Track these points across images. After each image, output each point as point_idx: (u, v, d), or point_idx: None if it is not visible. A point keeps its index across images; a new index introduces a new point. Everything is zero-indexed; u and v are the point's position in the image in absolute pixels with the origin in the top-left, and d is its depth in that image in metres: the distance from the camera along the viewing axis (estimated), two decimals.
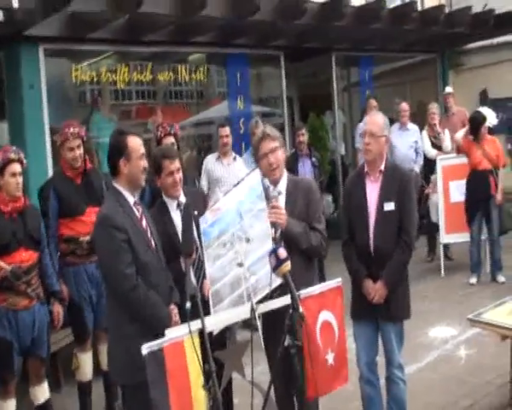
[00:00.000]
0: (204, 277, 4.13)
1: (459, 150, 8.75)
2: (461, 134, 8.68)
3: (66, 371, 6.21)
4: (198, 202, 4.43)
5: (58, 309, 5.11)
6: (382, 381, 4.44)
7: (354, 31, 10.09)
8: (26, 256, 4.75)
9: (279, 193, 3.89)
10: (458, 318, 6.79)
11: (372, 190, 4.26)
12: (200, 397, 2.89)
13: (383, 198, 4.21)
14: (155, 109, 9.77)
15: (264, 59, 10.83)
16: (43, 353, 4.92)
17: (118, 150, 3.71)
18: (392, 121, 10.41)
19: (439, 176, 9.00)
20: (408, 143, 9.89)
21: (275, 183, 3.96)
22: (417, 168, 9.77)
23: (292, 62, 11.13)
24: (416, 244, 9.60)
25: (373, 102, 10.14)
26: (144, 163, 3.75)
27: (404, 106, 10.14)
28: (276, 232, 3.57)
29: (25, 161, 4.81)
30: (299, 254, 3.75)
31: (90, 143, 7.61)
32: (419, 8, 10.97)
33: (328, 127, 11.92)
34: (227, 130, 7.46)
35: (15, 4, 6.32)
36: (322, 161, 9.39)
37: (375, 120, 4.31)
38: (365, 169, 4.32)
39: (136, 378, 2.96)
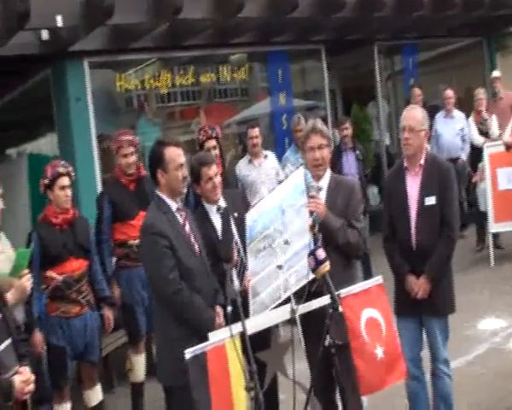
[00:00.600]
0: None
1: (508, 147, 8.53)
2: (508, 132, 8.49)
3: (118, 372, 6.40)
4: (238, 204, 4.51)
5: (108, 314, 5.28)
6: (428, 376, 4.41)
7: (395, 20, 9.97)
8: (77, 265, 4.92)
9: (320, 189, 3.92)
10: (508, 309, 6.66)
11: (412, 185, 4.24)
12: (241, 398, 2.96)
13: (424, 193, 4.18)
14: (199, 111, 9.90)
15: (305, 53, 10.82)
16: (94, 357, 5.09)
17: (155, 161, 3.85)
18: (438, 109, 10.33)
19: (486, 163, 8.73)
20: (454, 130, 9.74)
21: (317, 179, 3.98)
22: (464, 156, 9.63)
23: (333, 55, 11.07)
24: (465, 233, 9.65)
25: (417, 91, 10.02)
26: (183, 173, 3.85)
27: (449, 93, 9.95)
28: (314, 223, 3.57)
29: (73, 174, 4.98)
30: (337, 253, 3.76)
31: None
32: None
33: (372, 118, 11.86)
34: (256, 131, 7.38)
35: (59, 23, 6.51)
36: (366, 153, 9.34)
37: (414, 114, 4.27)
38: (405, 164, 4.29)
39: (181, 381, 3.03)
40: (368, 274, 7.78)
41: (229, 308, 3.08)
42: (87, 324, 4.96)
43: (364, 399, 4.88)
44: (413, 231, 4.19)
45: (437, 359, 4.29)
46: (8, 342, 3.24)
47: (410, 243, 4.21)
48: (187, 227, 3.92)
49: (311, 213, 3.67)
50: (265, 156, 7.53)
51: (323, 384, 3.69)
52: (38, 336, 4.79)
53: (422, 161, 4.24)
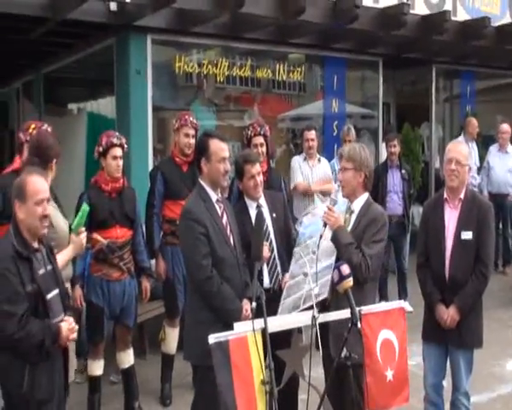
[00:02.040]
0: (278, 274, 4.45)
1: None
2: None
3: (152, 341, 6.65)
4: (277, 206, 4.64)
5: (146, 284, 5.51)
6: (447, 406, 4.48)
7: (456, 45, 9.96)
8: (121, 233, 5.18)
9: (351, 212, 4.08)
10: None
11: (451, 217, 4.33)
12: (262, 391, 3.10)
13: (461, 226, 4.27)
14: (255, 99, 10.02)
15: (363, 63, 10.84)
16: (130, 322, 5.36)
17: (200, 150, 4.07)
18: (493, 140, 10.27)
19: None
20: (506, 166, 9.73)
21: (351, 200, 4.13)
22: None
23: (391, 69, 11.10)
24: (508, 270, 9.56)
25: (474, 122, 9.95)
26: (225, 166, 4.04)
27: (504, 127, 9.87)
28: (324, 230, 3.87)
29: (126, 146, 5.21)
30: None
31: None
32: None
33: (424, 139, 11.83)
34: (313, 133, 7.52)
35: None
36: (413, 173, 9.34)
37: (460, 148, 4.39)
38: (445, 195, 4.39)
39: (207, 362, 3.17)
40: (403, 293, 7.88)
41: (254, 304, 3.22)
42: (125, 289, 5.23)
43: None
44: (447, 262, 4.28)
45: (458, 390, 4.37)
46: (56, 291, 3.52)
47: (443, 274, 4.30)
48: (224, 219, 4.09)
49: (325, 223, 3.92)
50: (319, 160, 7.66)
51: (337, 394, 3.81)
52: (79, 292, 5.11)
53: (462, 196, 4.33)
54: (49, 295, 3.44)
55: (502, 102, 13.68)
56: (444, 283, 4.30)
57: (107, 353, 5.51)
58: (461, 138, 10.00)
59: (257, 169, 4.49)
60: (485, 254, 4.27)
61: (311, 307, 3.50)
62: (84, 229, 4.14)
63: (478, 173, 10.14)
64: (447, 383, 4.52)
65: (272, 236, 4.49)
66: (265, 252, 4.27)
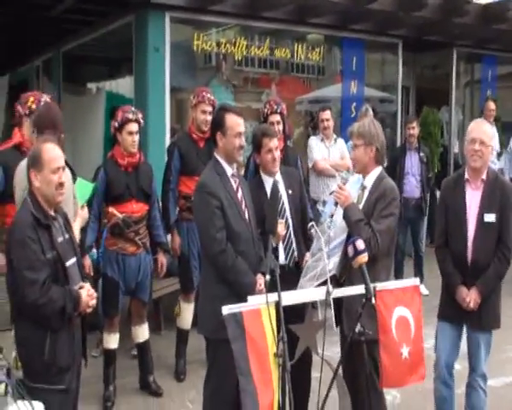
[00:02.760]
0: (294, 251, 4.45)
1: None
2: None
3: (168, 317, 6.74)
4: (293, 183, 4.62)
5: (162, 259, 5.57)
6: (458, 391, 4.47)
7: (477, 28, 9.86)
8: (137, 208, 5.22)
9: (364, 187, 4.07)
10: None
11: (472, 199, 4.26)
12: (276, 363, 3.10)
13: (484, 208, 4.20)
14: (273, 80, 9.98)
15: (382, 45, 10.78)
16: (145, 297, 5.41)
17: (216, 124, 4.05)
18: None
19: None
20: None
21: (364, 176, 4.12)
22: None
23: (411, 52, 10.99)
24: None
25: (491, 105, 9.84)
26: (240, 141, 4.02)
27: None
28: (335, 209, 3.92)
29: (142, 121, 5.22)
30: None
31: None
32: None
33: (444, 123, 11.73)
34: (328, 113, 7.51)
35: None
36: (431, 156, 9.27)
37: (484, 128, 4.30)
38: (466, 176, 4.32)
39: (220, 335, 3.19)
40: (420, 276, 7.82)
41: (268, 277, 3.22)
42: (141, 264, 5.28)
43: (397, 394, 5.08)
44: (470, 245, 4.22)
45: (476, 371, 4.35)
46: (74, 259, 3.56)
47: (465, 257, 4.24)
48: (239, 193, 4.09)
49: (336, 202, 3.96)
50: (335, 140, 7.65)
51: (352, 370, 3.82)
52: (88, 261, 5.15)
53: (485, 176, 4.26)
54: (68, 263, 3.47)
55: None
56: (465, 265, 4.25)
57: (123, 327, 5.57)
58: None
59: (275, 143, 4.47)
60: (507, 237, 4.20)
61: (325, 283, 3.50)
62: (85, 204, 4.13)
63: (498, 159, 10.04)
64: (461, 367, 4.49)
65: (288, 212, 4.47)
66: (281, 229, 4.27)
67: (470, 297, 4.20)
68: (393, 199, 3.99)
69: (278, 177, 4.56)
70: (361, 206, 4.02)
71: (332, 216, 3.98)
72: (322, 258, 3.83)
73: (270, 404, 3.08)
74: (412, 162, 8.36)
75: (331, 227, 4.03)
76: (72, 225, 3.73)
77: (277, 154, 4.48)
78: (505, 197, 4.21)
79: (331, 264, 3.81)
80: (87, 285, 3.53)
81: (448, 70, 11.47)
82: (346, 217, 3.93)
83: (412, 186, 8.27)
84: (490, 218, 4.18)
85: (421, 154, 8.41)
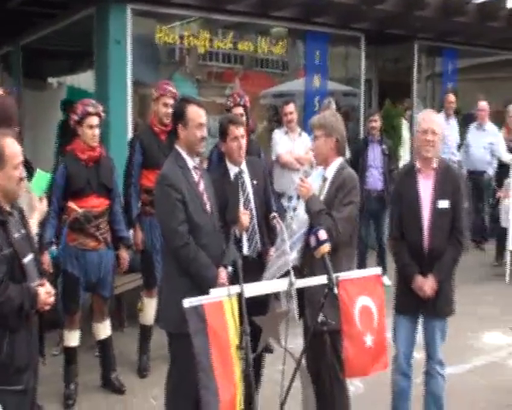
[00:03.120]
0: (257, 243, 4.43)
1: None
2: None
3: (130, 313, 6.66)
4: (258, 173, 4.60)
5: (124, 255, 5.50)
6: (416, 380, 4.51)
7: (438, 22, 9.95)
8: (98, 202, 5.14)
9: (325, 179, 4.08)
10: None
11: (425, 188, 4.30)
12: (238, 356, 3.08)
13: (437, 195, 4.24)
14: (236, 75, 9.95)
15: (345, 39, 10.79)
16: (106, 293, 5.33)
17: (177, 115, 4.00)
18: (474, 118, 10.29)
19: None
20: (483, 143, 9.71)
21: (325, 168, 4.13)
22: (491, 171, 9.59)
23: (373, 45, 11.04)
24: (486, 247, 9.72)
25: (451, 98, 9.96)
26: (202, 133, 3.98)
27: (482, 105, 9.87)
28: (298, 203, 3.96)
29: (103, 114, 5.15)
30: None
31: None
32: (508, 6, 10.57)
33: (405, 116, 11.81)
34: (291, 107, 7.50)
35: None
36: (394, 149, 9.34)
37: (435, 118, 4.36)
38: (417, 166, 4.35)
39: (182, 329, 3.15)
40: (383, 268, 7.85)
41: (230, 268, 3.19)
42: (102, 260, 5.20)
43: (361, 385, 5.13)
44: (425, 233, 4.25)
45: (433, 358, 4.38)
46: (31, 256, 3.45)
47: (421, 245, 4.27)
48: (201, 185, 4.04)
49: (298, 196, 3.99)
50: (300, 134, 7.65)
51: (315, 361, 3.82)
52: (47, 258, 5.07)
53: (435, 165, 4.31)
54: (25, 260, 3.37)
55: (484, 81, 13.70)
56: (422, 254, 4.27)
57: (85, 324, 5.49)
58: (441, 115, 9.99)
59: (241, 132, 4.44)
60: (460, 222, 4.27)
61: (287, 274, 3.50)
62: (44, 197, 4.07)
63: (458, 150, 10.17)
64: (420, 356, 4.54)
65: (252, 203, 4.46)
66: (245, 220, 4.25)
67: (428, 285, 4.22)
68: (353, 187, 4.01)
69: (243, 166, 4.53)
70: (322, 197, 4.03)
71: (295, 210, 3.98)
72: (284, 251, 3.82)
73: (232, 399, 3.05)
74: (375, 155, 8.39)
75: (294, 220, 4.04)
76: (28, 220, 3.63)
77: (243, 142, 4.45)
78: (456, 183, 4.28)
79: (293, 255, 3.81)
80: (46, 283, 3.45)
81: (410, 63, 11.56)
82: (307, 208, 3.94)
83: (375, 179, 8.32)
84: (443, 204, 4.22)
85: (384, 146, 8.44)
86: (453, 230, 4.26)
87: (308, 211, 3.95)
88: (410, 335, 4.40)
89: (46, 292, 3.38)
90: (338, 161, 4.09)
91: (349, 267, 3.98)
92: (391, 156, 8.55)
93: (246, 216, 4.24)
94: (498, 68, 13.41)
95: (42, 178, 4.21)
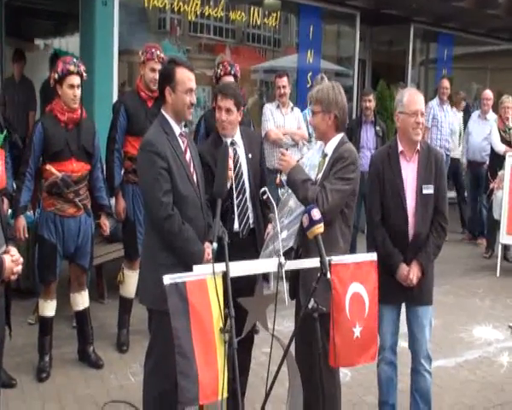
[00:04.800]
0: (249, 219, 4.23)
1: None
2: None
3: (111, 285, 6.46)
4: (254, 146, 4.37)
5: (105, 221, 5.27)
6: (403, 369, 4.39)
7: (436, 5, 9.77)
8: (77, 167, 4.91)
9: (325, 155, 3.87)
10: (506, 322, 6.60)
11: (408, 172, 4.09)
12: (221, 339, 2.88)
13: (422, 180, 4.06)
14: (225, 47, 9.72)
15: (340, 16, 10.65)
16: (85, 262, 5.12)
17: (165, 77, 3.70)
18: (468, 106, 10.13)
19: (507, 173, 8.43)
20: (484, 133, 9.54)
21: (325, 143, 3.92)
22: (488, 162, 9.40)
23: (368, 25, 10.86)
24: (480, 240, 9.67)
25: (445, 83, 9.79)
26: (191, 98, 3.71)
27: (487, 94, 9.69)
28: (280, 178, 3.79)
29: (85, 74, 4.89)
30: None
31: None
32: None
33: None
34: (284, 80, 7.32)
35: None
36: (387, 131, 9.17)
37: (422, 98, 4.13)
38: (400, 148, 4.13)
39: (164, 306, 2.91)
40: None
41: (215, 245, 2.98)
42: (80, 227, 4.99)
43: (348, 372, 5.02)
44: (410, 219, 4.06)
45: (420, 353, 4.20)
46: None
47: (406, 232, 4.08)
48: (188, 154, 3.79)
49: (279, 170, 3.82)
50: (292, 108, 7.49)
51: (305, 348, 3.64)
52: (22, 222, 4.90)
53: (419, 147, 4.12)
54: None
55: (478, 70, 13.60)
56: (405, 241, 4.09)
57: (63, 294, 5.29)
58: (435, 101, 9.84)
59: (225, 104, 4.16)
60: (443, 207, 4.11)
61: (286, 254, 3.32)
62: None
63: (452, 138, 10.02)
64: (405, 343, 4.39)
65: (246, 177, 4.22)
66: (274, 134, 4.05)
67: (413, 273, 4.06)
68: (352, 163, 3.77)
69: (238, 138, 4.29)
70: (321, 173, 3.81)
71: (277, 187, 3.78)
72: (276, 232, 3.61)
73: (214, 386, 2.85)
74: (368, 136, 8.25)
75: (292, 197, 3.82)
76: None
77: (227, 116, 4.17)
78: (439, 167, 4.10)
79: (290, 235, 3.60)
80: (13, 249, 3.20)
81: (405, 46, 11.42)
82: (289, 181, 3.74)
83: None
84: (428, 189, 4.04)
85: (377, 128, 8.31)
86: (436, 215, 4.09)
87: (290, 183, 3.75)
88: (394, 324, 4.24)
89: (12, 260, 3.14)
90: (338, 137, 3.87)
91: (345, 249, 3.79)
92: (384, 138, 8.35)
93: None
94: (493, 58, 13.29)
95: None
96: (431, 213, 4.08)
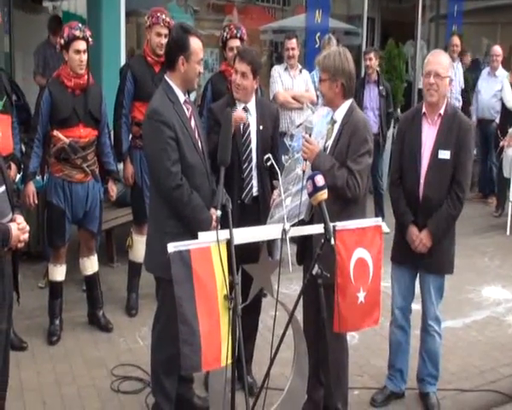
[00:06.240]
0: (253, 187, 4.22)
1: None
2: None
3: (120, 249, 6.50)
4: (267, 117, 4.32)
5: (112, 186, 5.30)
6: (417, 332, 4.41)
7: None
8: (85, 133, 4.92)
9: (334, 122, 3.83)
10: None
11: (428, 134, 4.07)
12: (225, 306, 2.92)
13: (439, 145, 4.02)
14: (232, 8, 9.61)
15: None
16: (93, 227, 5.17)
17: (179, 47, 3.66)
18: (478, 62, 9.97)
19: None
20: (492, 90, 9.41)
21: (333, 109, 3.88)
22: (498, 120, 9.28)
23: None
24: (490, 199, 9.61)
25: (455, 40, 9.63)
26: (200, 68, 3.72)
27: (496, 49, 9.50)
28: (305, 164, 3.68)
29: (91, 39, 4.87)
30: (334, 193, 3.55)
31: None
32: None
33: (409, 57, 11.50)
34: (293, 42, 7.25)
35: None
36: (395, 91, 9.05)
37: (440, 59, 4.05)
38: (423, 110, 4.11)
39: (170, 275, 2.96)
40: (380, 214, 7.69)
41: (219, 213, 3.00)
42: (89, 192, 5.03)
43: (356, 335, 5.05)
44: (422, 182, 4.05)
45: (428, 315, 4.24)
46: (2, 188, 3.21)
47: (417, 195, 4.08)
48: (192, 122, 3.78)
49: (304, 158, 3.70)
50: (300, 71, 7.42)
51: (312, 312, 3.67)
52: (31, 188, 4.93)
53: (442, 111, 4.07)
54: None
55: (489, 25, 13.37)
56: (417, 203, 4.09)
57: (73, 258, 5.36)
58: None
59: (241, 68, 4.13)
60: (462, 177, 4.03)
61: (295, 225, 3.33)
62: None
63: (462, 95, 9.89)
64: (420, 308, 4.39)
65: (254, 145, 4.20)
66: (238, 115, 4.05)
67: (419, 239, 4.05)
68: (367, 132, 3.78)
69: (251, 107, 4.26)
70: (331, 141, 3.79)
71: (304, 172, 3.65)
72: (287, 196, 3.61)
73: (217, 354, 2.90)
74: (371, 96, 8.08)
75: (298, 163, 3.80)
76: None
77: (241, 80, 4.14)
78: (462, 135, 4.02)
79: (302, 205, 3.59)
80: (19, 217, 3.23)
81: (414, 2, 11.20)
82: (315, 168, 3.63)
83: (370, 121, 7.89)
84: (444, 155, 4.00)
85: (381, 87, 8.09)
86: (453, 183, 4.03)
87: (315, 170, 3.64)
88: (407, 287, 4.25)
89: (19, 228, 3.16)
90: (347, 104, 3.83)
91: (363, 206, 3.85)
92: (388, 98, 8.23)
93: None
94: (504, 13, 13.03)
95: None
96: (447, 179, 4.03)
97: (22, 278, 3.64)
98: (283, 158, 3.92)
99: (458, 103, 9.64)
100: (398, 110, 9.47)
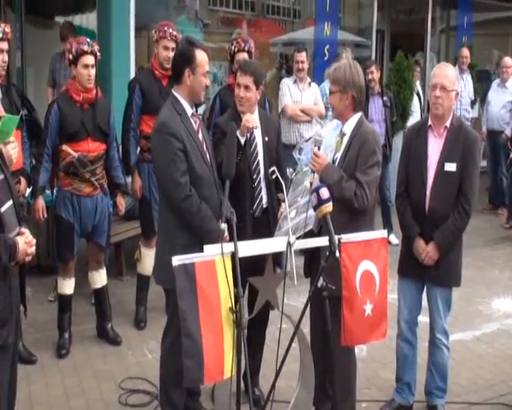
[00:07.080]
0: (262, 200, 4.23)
1: None
2: None
3: (129, 262, 6.51)
4: (270, 130, 4.33)
5: (121, 200, 5.32)
6: (425, 344, 4.38)
7: None
8: (93, 147, 4.95)
9: (343, 135, 3.84)
10: None
11: (434, 147, 4.07)
12: (230, 319, 2.92)
13: (445, 157, 4.02)
14: (242, 21, 9.66)
15: None
16: (102, 241, 5.19)
17: (185, 59, 3.70)
18: (489, 74, 9.94)
19: None
20: (502, 101, 9.39)
21: (342, 122, 3.90)
22: (509, 131, 9.24)
23: None
24: (501, 211, 9.55)
25: (465, 52, 9.62)
26: (206, 81, 3.76)
27: (507, 61, 9.48)
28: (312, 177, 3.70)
29: (99, 54, 4.90)
30: (341, 205, 3.60)
31: None
32: None
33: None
34: (303, 55, 7.30)
35: None
36: (404, 102, 9.03)
37: (446, 72, 4.06)
38: (429, 122, 4.12)
39: None
40: (388, 226, 7.68)
41: (223, 225, 3.02)
42: (97, 206, 5.05)
43: (364, 347, 5.03)
44: (428, 194, 4.05)
45: (435, 328, 4.22)
46: (9, 203, 3.21)
47: (423, 207, 4.07)
48: (200, 134, 3.82)
49: (313, 171, 3.72)
50: (309, 84, 7.45)
51: (319, 328, 3.63)
52: (40, 203, 4.95)
53: (448, 124, 4.07)
54: (3, 208, 3.14)
55: (498, 37, 13.35)
56: (423, 215, 4.08)
57: (82, 272, 5.38)
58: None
59: (244, 80, 4.14)
60: (468, 189, 4.02)
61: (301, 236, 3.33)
62: (12, 139, 3.71)
63: (472, 107, 9.87)
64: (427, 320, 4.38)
65: (261, 158, 4.21)
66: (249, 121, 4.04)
67: (426, 252, 4.04)
68: (376, 144, 3.80)
69: (256, 119, 4.24)
70: (340, 153, 3.81)
71: (311, 185, 3.66)
72: (298, 211, 3.61)
73: (219, 367, 2.90)
74: (376, 108, 8.06)
75: (306, 176, 3.80)
76: (6, 164, 3.39)
77: (245, 93, 4.14)
78: (468, 147, 4.01)
79: (310, 217, 3.58)
80: (26, 231, 3.25)
81: (424, 15, 11.20)
82: (323, 181, 3.65)
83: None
84: (450, 167, 4.00)
85: (385, 98, 8.11)
86: (459, 196, 4.02)
87: (323, 182, 3.66)
88: (413, 300, 4.23)
89: (26, 242, 3.17)
90: (356, 117, 3.85)
91: (372, 217, 3.86)
92: (392, 108, 8.23)
93: (250, 117, 4.04)
94: None
95: (11, 121, 3.87)
96: (453, 191, 4.02)
97: (32, 292, 3.65)
98: (288, 171, 3.92)
99: (468, 115, 9.64)
100: (408, 123, 9.46)
